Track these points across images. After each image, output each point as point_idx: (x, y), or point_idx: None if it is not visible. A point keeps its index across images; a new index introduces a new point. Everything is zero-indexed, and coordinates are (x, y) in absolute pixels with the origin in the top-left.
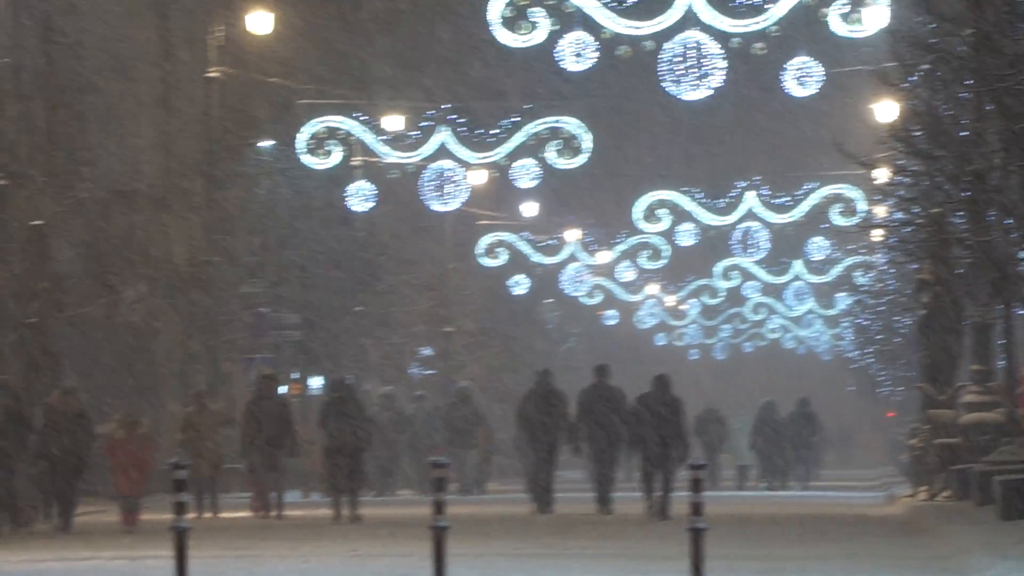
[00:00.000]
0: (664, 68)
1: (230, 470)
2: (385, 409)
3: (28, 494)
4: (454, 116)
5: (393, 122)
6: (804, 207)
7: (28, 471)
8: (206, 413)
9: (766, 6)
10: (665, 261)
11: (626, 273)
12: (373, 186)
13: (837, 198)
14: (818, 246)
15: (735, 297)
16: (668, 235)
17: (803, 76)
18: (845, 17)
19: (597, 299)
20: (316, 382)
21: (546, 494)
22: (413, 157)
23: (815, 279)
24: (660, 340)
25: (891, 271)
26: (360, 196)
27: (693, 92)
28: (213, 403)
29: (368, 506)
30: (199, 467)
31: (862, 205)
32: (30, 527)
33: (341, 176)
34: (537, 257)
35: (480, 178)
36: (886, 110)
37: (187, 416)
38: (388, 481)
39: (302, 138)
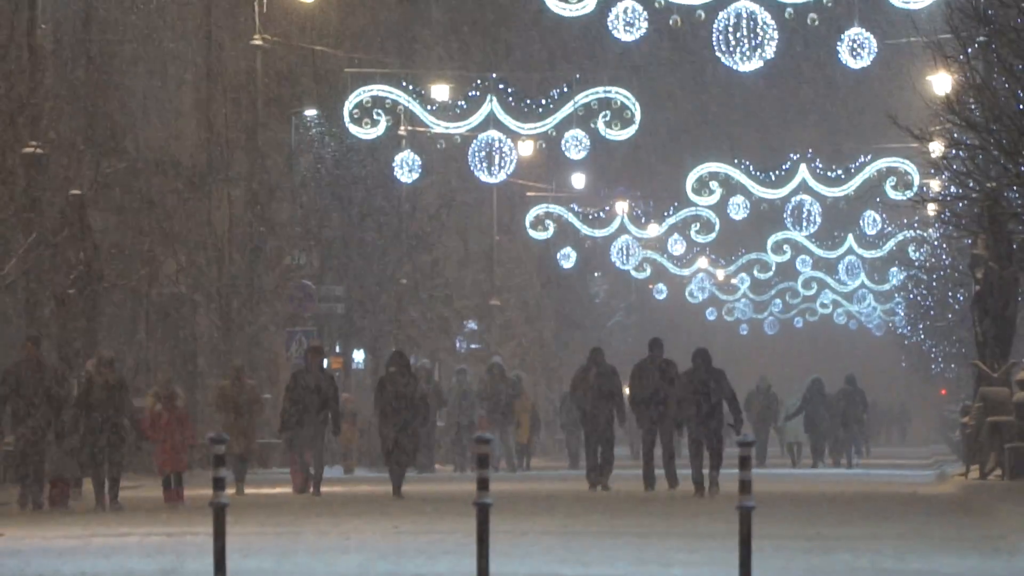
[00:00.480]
0: (717, 39)
1: (266, 445)
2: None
3: (64, 469)
4: (502, 86)
5: (440, 92)
6: (857, 180)
7: (63, 445)
8: (242, 387)
9: None
10: (716, 234)
11: (676, 246)
12: (418, 157)
13: (891, 171)
14: (871, 220)
15: (786, 271)
16: (719, 208)
17: (857, 47)
18: None
19: (646, 273)
20: (359, 356)
21: (600, 470)
22: (461, 127)
23: (868, 253)
24: (710, 315)
25: (945, 246)
26: (406, 167)
27: (746, 63)
28: (249, 378)
29: (407, 482)
30: (232, 442)
31: (916, 179)
32: (66, 504)
33: (386, 146)
34: (586, 230)
35: (528, 149)
36: (941, 83)
37: (222, 389)
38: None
39: (348, 107)
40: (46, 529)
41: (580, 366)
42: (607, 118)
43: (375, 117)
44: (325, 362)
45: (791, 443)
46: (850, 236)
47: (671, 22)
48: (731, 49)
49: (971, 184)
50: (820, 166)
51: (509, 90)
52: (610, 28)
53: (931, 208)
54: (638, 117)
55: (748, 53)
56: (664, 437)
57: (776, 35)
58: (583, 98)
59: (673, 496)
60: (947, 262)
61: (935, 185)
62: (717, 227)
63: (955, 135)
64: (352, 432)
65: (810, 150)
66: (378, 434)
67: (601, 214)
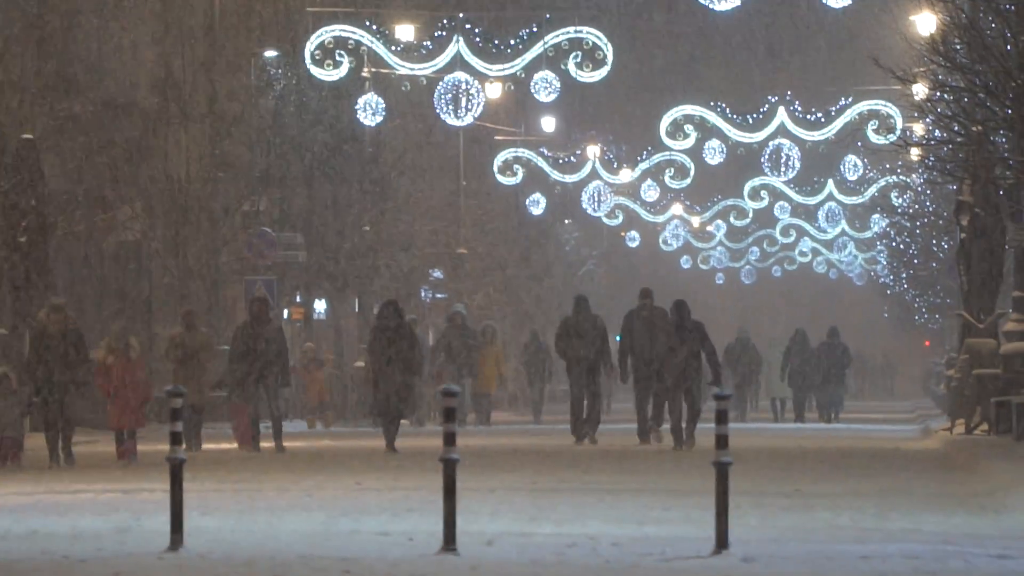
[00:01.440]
0: None
1: (218, 398)
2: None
3: (8, 424)
4: (469, 26)
5: (405, 32)
6: (838, 124)
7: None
8: (194, 335)
9: None
10: (691, 180)
11: (649, 192)
12: (382, 100)
13: (873, 115)
14: (852, 165)
15: (764, 218)
16: (694, 152)
17: None
18: None
19: (618, 219)
20: (320, 306)
21: (587, 424)
22: (426, 68)
23: (848, 200)
24: (685, 263)
25: (929, 192)
26: (369, 109)
27: (722, 2)
28: (203, 325)
29: (362, 437)
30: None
31: (899, 122)
32: (16, 461)
33: (349, 89)
34: (556, 175)
35: (496, 91)
36: (926, 22)
37: (173, 338)
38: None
39: (309, 48)
40: None
41: (563, 317)
42: (578, 59)
43: (337, 58)
44: (286, 313)
45: (774, 398)
46: (830, 182)
47: None
48: None
49: (956, 128)
50: (799, 109)
51: (476, 30)
52: None
53: (914, 153)
54: (610, 58)
55: None
56: (654, 391)
57: None
58: (553, 38)
59: (649, 452)
60: (931, 209)
61: (919, 129)
62: (692, 172)
63: (940, 77)
64: (318, 382)
65: (789, 92)
66: (369, 387)
67: (572, 159)
